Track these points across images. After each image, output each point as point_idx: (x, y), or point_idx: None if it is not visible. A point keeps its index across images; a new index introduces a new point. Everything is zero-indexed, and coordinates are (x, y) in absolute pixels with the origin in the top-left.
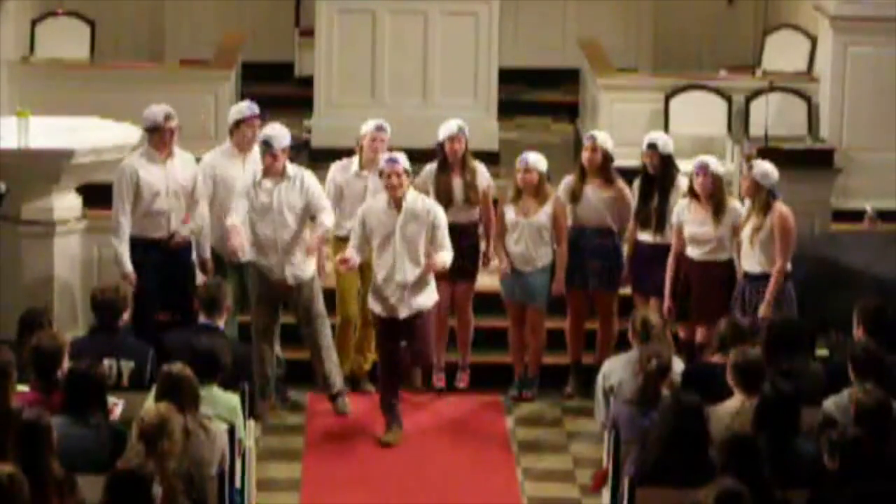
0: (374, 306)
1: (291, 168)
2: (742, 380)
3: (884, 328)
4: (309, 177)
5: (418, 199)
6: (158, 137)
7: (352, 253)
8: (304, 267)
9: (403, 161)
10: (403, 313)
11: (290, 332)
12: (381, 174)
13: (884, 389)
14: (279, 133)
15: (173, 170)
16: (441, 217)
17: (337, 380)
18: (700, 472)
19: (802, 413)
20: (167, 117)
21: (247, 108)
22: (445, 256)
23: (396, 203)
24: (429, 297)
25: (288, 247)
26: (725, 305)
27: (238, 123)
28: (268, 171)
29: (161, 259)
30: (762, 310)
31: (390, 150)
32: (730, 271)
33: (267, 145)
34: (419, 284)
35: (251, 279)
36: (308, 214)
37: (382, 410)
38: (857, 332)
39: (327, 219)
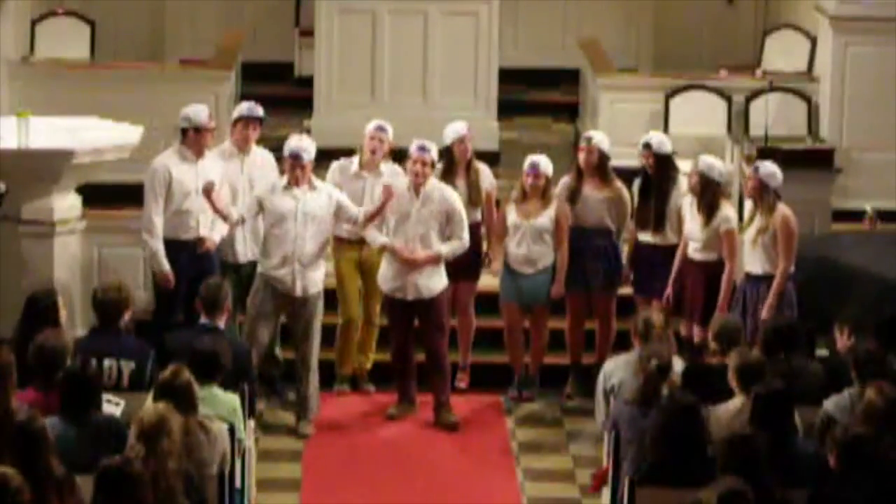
0: (383, 284)
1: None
2: (743, 381)
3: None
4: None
5: (437, 188)
6: (200, 138)
7: (372, 231)
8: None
9: (433, 152)
10: (411, 295)
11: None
12: (408, 158)
13: None
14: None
15: (203, 169)
16: (457, 207)
17: (314, 404)
18: (697, 471)
19: (802, 413)
20: (211, 117)
21: (247, 108)
22: (454, 245)
23: (416, 189)
24: (437, 282)
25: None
26: (708, 305)
27: (236, 122)
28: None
29: (189, 262)
30: (764, 312)
31: (391, 150)
32: (716, 272)
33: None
34: (426, 268)
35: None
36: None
37: (398, 392)
38: (841, 341)
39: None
